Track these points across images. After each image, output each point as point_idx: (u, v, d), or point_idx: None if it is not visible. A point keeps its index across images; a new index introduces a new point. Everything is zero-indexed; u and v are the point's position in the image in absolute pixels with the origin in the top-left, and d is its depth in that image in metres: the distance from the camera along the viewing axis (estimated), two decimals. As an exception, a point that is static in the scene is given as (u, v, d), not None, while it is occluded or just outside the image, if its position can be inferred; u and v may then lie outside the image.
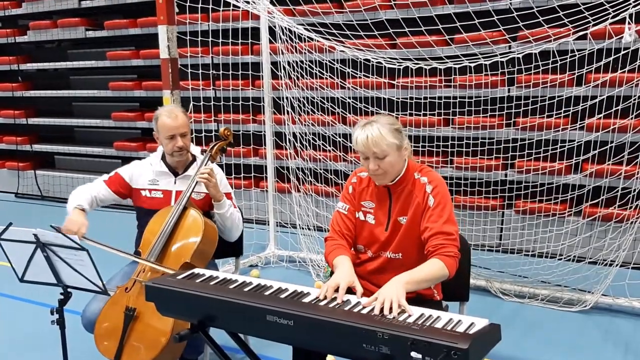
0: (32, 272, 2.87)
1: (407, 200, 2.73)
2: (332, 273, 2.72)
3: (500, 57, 4.94)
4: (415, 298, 2.65)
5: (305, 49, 5.75)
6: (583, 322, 4.40)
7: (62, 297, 2.89)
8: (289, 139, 5.96)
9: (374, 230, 2.79)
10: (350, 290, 2.47)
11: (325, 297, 2.37)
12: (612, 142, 4.98)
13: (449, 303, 3.01)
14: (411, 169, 2.77)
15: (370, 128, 2.65)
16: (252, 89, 7.09)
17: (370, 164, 2.67)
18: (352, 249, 2.88)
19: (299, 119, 5.91)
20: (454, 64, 5.08)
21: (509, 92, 5.70)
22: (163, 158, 3.51)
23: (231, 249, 3.60)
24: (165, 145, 3.39)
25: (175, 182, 3.45)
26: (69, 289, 2.87)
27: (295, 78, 5.81)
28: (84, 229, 3.19)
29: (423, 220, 2.68)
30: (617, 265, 4.51)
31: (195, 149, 3.59)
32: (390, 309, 2.23)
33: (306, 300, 2.35)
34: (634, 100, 4.60)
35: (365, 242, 2.84)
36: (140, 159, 3.70)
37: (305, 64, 5.82)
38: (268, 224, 6.01)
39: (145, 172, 3.50)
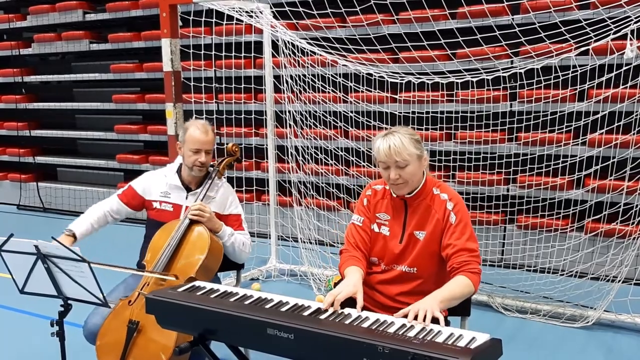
0: (33, 284, 2.87)
1: (425, 215, 2.74)
2: (336, 284, 2.72)
3: (503, 72, 4.96)
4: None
5: (307, 63, 5.77)
6: (585, 338, 4.37)
7: (62, 309, 2.88)
8: (291, 153, 5.97)
9: (388, 243, 2.80)
10: (351, 301, 2.47)
11: (328, 306, 2.38)
12: (614, 157, 4.99)
13: (450, 318, 3.00)
14: (429, 183, 2.79)
15: (392, 137, 2.67)
16: (254, 102, 7.11)
17: (392, 173, 2.69)
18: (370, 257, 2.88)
19: (301, 133, 5.92)
20: (456, 79, 5.10)
21: (511, 107, 5.71)
22: (178, 171, 3.52)
23: (233, 262, 3.59)
24: (188, 157, 3.40)
25: (186, 198, 3.46)
26: (69, 301, 2.87)
27: (298, 92, 5.83)
28: None
29: (445, 237, 2.69)
30: (619, 281, 4.49)
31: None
32: (424, 317, 2.27)
33: (307, 313, 2.34)
34: (636, 116, 4.60)
35: (378, 255, 2.84)
36: (142, 171, 3.71)
37: (308, 78, 5.84)
38: (270, 238, 6.01)
39: (158, 184, 3.53)
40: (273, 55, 5.73)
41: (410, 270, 2.76)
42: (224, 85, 6.44)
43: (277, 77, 5.84)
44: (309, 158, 5.96)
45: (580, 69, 4.82)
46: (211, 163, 3.57)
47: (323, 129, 6.00)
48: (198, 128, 3.40)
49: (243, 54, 6.10)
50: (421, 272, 2.75)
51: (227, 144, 3.75)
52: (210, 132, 3.44)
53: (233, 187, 3.63)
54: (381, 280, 2.83)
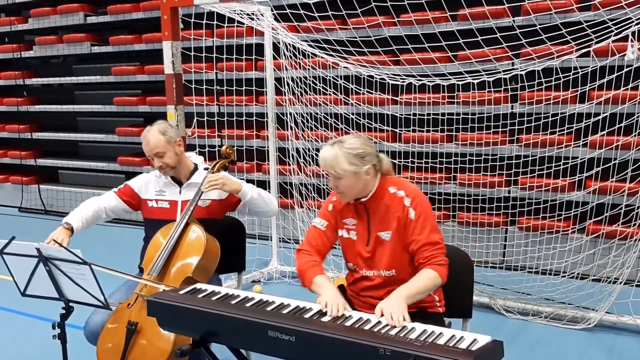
0: (34, 286, 2.87)
1: (385, 216, 2.76)
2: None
3: (504, 74, 4.96)
4: (418, 312, 2.66)
5: (308, 65, 5.78)
6: (587, 340, 4.37)
7: (63, 311, 2.89)
8: (292, 155, 5.97)
9: (357, 247, 2.82)
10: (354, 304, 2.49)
11: (336, 315, 2.39)
12: (615, 159, 4.98)
13: (452, 320, 3.00)
14: (385, 183, 2.79)
15: (329, 149, 2.70)
16: (255, 104, 7.12)
17: (330, 182, 2.76)
18: (346, 267, 2.92)
19: (302, 135, 5.92)
20: (457, 81, 5.10)
21: (512, 109, 5.71)
22: None
23: (234, 264, 3.60)
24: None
25: (180, 192, 3.48)
26: (70, 303, 2.87)
27: (299, 94, 5.84)
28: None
29: (408, 234, 2.72)
30: (621, 282, 4.49)
31: (197, 158, 3.63)
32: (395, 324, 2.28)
33: (308, 316, 2.34)
34: (637, 117, 4.60)
35: (353, 260, 2.86)
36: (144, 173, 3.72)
37: (309, 80, 5.84)
38: (271, 240, 6.01)
39: (152, 183, 3.56)
40: (274, 58, 5.74)
41: (389, 273, 2.77)
42: (225, 87, 6.45)
43: (278, 80, 5.85)
44: (310, 160, 5.96)
45: (582, 71, 4.82)
46: (205, 166, 3.59)
47: (324, 131, 6.00)
48: (143, 136, 3.43)
49: (244, 56, 6.11)
50: (400, 273, 2.75)
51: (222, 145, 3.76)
52: (152, 138, 3.38)
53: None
54: (367, 287, 2.84)
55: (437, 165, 5.92)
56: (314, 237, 2.88)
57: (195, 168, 3.55)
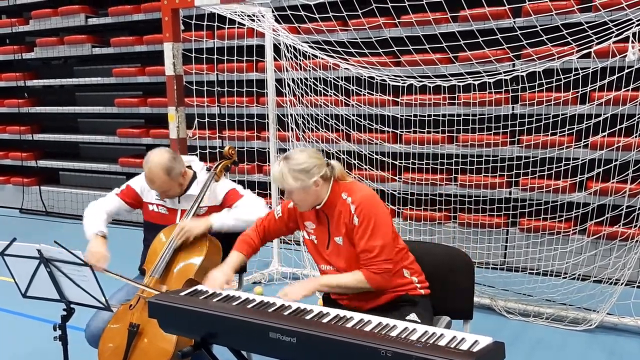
0: (35, 288, 2.87)
1: (338, 221, 2.86)
2: None
3: (504, 75, 4.96)
4: (399, 298, 2.83)
5: (309, 67, 5.78)
6: (588, 341, 4.37)
7: (65, 313, 2.89)
8: (293, 156, 5.96)
9: (319, 249, 2.95)
10: (334, 303, 2.76)
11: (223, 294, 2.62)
12: (616, 160, 4.98)
13: (453, 321, 3.00)
14: (337, 190, 2.86)
15: (276, 167, 2.81)
16: (256, 106, 7.12)
17: (285, 194, 2.88)
18: (316, 264, 3.06)
19: (303, 136, 5.92)
20: (458, 82, 5.10)
21: (513, 110, 5.71)
22: None
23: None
24: None
25: (179, 201, 3.47)
26: (72, 305, 2.87)
27: (300, 95, 5.84)
28: (104, 262, 3.17)
29: (354, 239, 2.81)
30: (622, 284, 4.49)
31: (197, 165, 3.59)
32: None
33: (309, 317, 2.34)
34: (638, 118, 4.60)
35: (322, 262, 2.97)
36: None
37: (310, 82, 5.84)
38: (272, 241, 6.00)
39: None
40: (275, 59, 5.74)
41: None
42: (225, 88, 6.45)
43: (279, 81, 5.85)
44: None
45: (582, 72, 4.82)
46: (207, 166, 3.59)
47: (325, 132, 6.00)
48: (147, 175, 3.32)
49: (245, 58, 6.11)
50: None
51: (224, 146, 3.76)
52: (158, 179, 3.27)
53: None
54: None
55: (438, 167, 5.92)
56: (267, 219, 3.09)
57: (194, 177, 3.50)
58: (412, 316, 2.76)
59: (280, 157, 2.85)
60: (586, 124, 5.06)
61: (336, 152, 6.07)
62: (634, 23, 4.17)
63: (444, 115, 5.83)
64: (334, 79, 5.92)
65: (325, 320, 2.31)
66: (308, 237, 2.98)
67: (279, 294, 2.64)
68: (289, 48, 5.63)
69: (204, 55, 6.08)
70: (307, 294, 2.68)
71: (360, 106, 6.15)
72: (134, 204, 3.56)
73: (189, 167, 3.52)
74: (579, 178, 5.24)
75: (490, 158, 5.73)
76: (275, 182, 2.86)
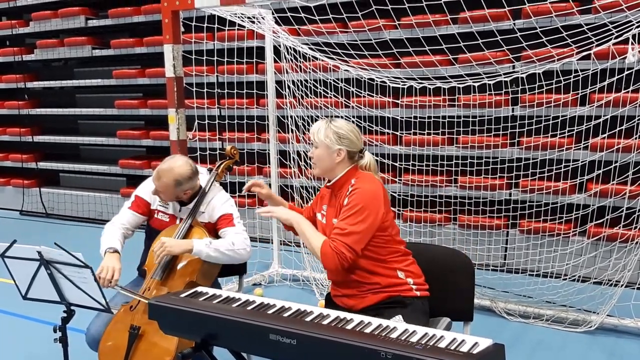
0: (36, 290, 2.87)
1: (338, 202, 2.95)
2: None
3: (504, 77, 4.96)
4: (392, 300, 2.84)
5: (309, 68, 5.78)
6: (588, 342, 4.37)
7: (65, 314, 2.89)
8: (293, 158, 5.98)
9: (325, 230, 3.00)
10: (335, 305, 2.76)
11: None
12: (616, 161, 4.98)
13: (453, 322, 3.00)
14: (349, 175, 2.95)
15: (320, 122, 2.98)
16: (256, 107, 7.12)
17: (310, 150, 3.04)
18: None
19: (303, 138, 5.93)
20: (458, 84, 5.10)
21: (512, 111, 5.71)
22: None
23: (235, 267, 3.59)
24: None
25: (180, 210, 3.46)
26: (72, 307, 2.87)
27: (300, 97, 5.84)
28: (118, 275, 3.14)
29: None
30: (622, 285, 4.49)
31: (204, 179, 3.50)
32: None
33: (309, 319, 2.34)
34: (638, 120, 4.60)
35: None
36: (145, 177, 3.71)
37: (310, 83, 5.85)
38: (272, 243, 6.01)
39: None
40: (275, 61, 5.74)
41: None
42: (226, 90, 6.46)
43: (279, 83, 5.85)
44: (311, 163, 5.95)
45: (582, 74, 4.83)
46: (209, 167, 3.59)
47: (325, 133, 5.99)
48: (158, 170, 3.29)
49: (245, 60, 6.11)
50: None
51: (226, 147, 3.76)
52: (164, 181, 3.24)
53: (235, 192, 3.62)
54: None
55: (438, 168, 5.92)
56: (309, 206, 3.30)
57: (198, 191, 3.43)
58: (397, 318, 2.75)
59: (328, 118, 3.03)
60: (586, 125, 5.06)
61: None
62: (633, 25, 4.18)
63: (444, 117, 5.84)
64: (334, 80, 5.92)
65: (325, 322, 2.31)
66: (321, 219, 3.07)
67: (260, 212, 2.94)
68: (289, 50, 5.63)
69: (204, 57, 6.09)
70: (280, 217, 3.04)
71: (360, 108, 6.15)
72: (146, 212, 3.51)
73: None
74: (579, 180, 5.24)
75: (490, 160, 5.73)
76: (311, 133, 2.99)
